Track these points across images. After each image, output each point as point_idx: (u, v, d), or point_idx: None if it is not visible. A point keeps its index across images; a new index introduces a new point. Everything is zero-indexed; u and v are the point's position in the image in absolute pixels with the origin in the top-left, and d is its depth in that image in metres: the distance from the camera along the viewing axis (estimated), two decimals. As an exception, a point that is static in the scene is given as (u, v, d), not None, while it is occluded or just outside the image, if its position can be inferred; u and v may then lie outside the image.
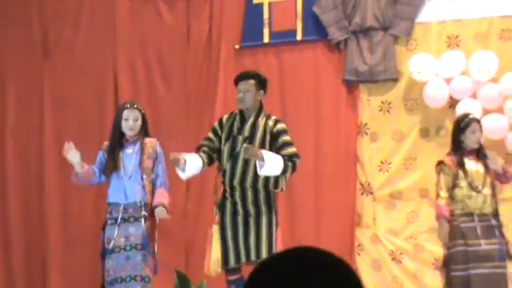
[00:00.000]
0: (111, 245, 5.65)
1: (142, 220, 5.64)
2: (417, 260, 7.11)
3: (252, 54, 7.76)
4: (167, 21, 8.06)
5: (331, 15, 7.47)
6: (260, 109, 5.65)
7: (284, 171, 5.43)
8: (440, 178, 5.98)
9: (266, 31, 7.74)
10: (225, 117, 5.77)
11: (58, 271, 7.87)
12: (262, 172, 5.36)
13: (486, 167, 5.85)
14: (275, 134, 5.54)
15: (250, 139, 5.55)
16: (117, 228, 5.64)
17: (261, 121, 5.59)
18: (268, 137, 5.54)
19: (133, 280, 5.58)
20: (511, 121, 6.67)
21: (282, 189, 5.63)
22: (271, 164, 5.33)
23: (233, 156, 5.57)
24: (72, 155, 5.67)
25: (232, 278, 5.56)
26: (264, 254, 5.43)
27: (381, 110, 7.35)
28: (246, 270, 5.53)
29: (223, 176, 5.62)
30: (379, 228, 7.28)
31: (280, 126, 5.59)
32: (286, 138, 5.54)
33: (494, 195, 5.86)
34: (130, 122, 5.75)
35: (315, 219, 7.29)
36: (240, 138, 5.58)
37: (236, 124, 5.65)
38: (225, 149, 5.62)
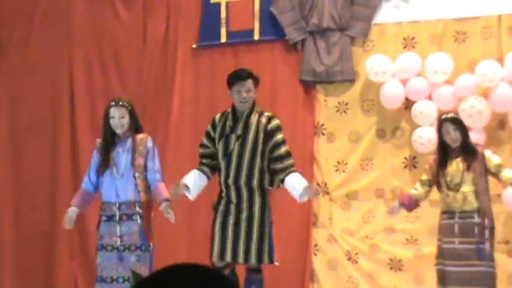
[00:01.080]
0: (103, 242, 5.64)
1: (138, 218, 5.60)
2: (373, 260, 7.16)
3: (209, 54, 7.74)
4: (123, 19, 8.00)
5: (289, 15, 7.48)
6: (253, 106, 5.59)
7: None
8: (424, 173, 6.13)
9: (223, 31, 7.72)
10: (217, 117, 5.70)
11: (11, 269, 7.80)
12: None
13: (468, 164, 5.90)
14: (269, 132, 5.50)
15: (243, 137, 5.51)
16: (111, 226, 5.61)
17: (254, 118, 5.54)
18: (261, 135, 5.49)
19: (127, 281, 5.53)
20: (466, 122, 6.73)
21: (278, 186, 5.61)
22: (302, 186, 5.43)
23: (227, 154, 5.53)
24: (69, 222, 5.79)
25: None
26: (254, 260, 5.42)
27: (337, 111, 7.39)
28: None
29: (219, 175, 5.60)
30: (336, 228, 7.31)
31: (275, 123, 5.54)
32: (280, 136, 5.51)
33: (480, 192, 5.88)
34: (116, 120, 5.71)
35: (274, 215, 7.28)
36: (233, 136, 5.54)
37: (228, 122, 5.59)
38: (219, 148, 5.58)
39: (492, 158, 6.00)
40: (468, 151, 5.94)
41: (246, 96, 5.51)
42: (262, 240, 5.45)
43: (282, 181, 5.46)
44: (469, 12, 7.09)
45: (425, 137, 6.84)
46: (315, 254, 7.32)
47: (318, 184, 7.36)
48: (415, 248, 7.03)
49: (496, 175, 5.96)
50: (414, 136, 6.95)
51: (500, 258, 6.78)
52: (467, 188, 5.87)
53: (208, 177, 5.64)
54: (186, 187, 5.56)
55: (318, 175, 7.37)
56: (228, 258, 5.44)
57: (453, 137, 5.96)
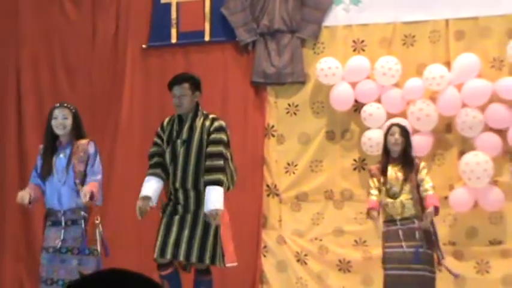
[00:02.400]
0: (46, 244, 5.56)
1: (82, 222, 5.52)
2: (322, 262, 7.19)
3: (159, 54, 7.69)
4: (72, 18, 7.91)
5: (239, 17, 7.48)
6: (197, 110, 5.60)
7: (221, 184, 5.41)
8: (370, 181, 6.15)
9: (174, 31, 7.69)
10: (165, 121, 5.72)
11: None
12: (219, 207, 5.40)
13: (406, 174, 5.98)
14: (211, 133, 5.51)
15: (188, 142, 5.52)
16: (55, 230, 5.53)
17: (199, 122, 5.56)
18: (205, 138, 5.51)
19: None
20: (414, 125, 6.82)
21: (228, 189, 5.59)
22: (220, 200, 5.38)
23: (174, 159, 5.55)
24: (23, 197, 5.54)
25: (164, 273, 5.49)
26: (195, 258, 5.39)
27: (288, 113, 7.41)
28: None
29: (168, 179, 5.61)
30: (285, 230, 7.33)
31: (217, 124, 5.54)
32: (216, 136, 5.49)
33: (416, 200, 5.95)
34: (59, 119, 5.62)
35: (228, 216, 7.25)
36: (179, 142, 5.55)
37: (175, 127, 5.61)
38: (167, 153, 5.60)
39: (423, 171, 6.05)
40: (407, 162, 6.03)
41: (179, 101, 5.54)
42: (205, 240, 5.41)
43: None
44: (417, 16, 7.17)
45: (375, 139, 6.90)
46: (265, 256, 7.33)
47: (268, 186, 7.37)
48: (363, 249, 7.08)
49: (418, 187, 6.03)
50: (363, 138, 7.01)
51: (447, 259, 6.88)
52: (405, 197, 5.96)
53: (163, 179, 5.62)
54: (149, 199, 5.53)
55: (268, 177, 7.38)
56: (169, 255, 5.39)
57: (397, 138, 6.04)
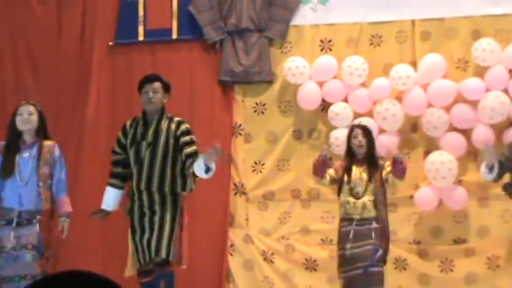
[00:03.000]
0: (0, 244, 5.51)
1: (37, 224, 5.48)
2: (288, 261, 7.21)
3: (126, 52, 7.65)
4: (37, 13, 7.82)
5: (207, 15, 7.47)
6: (162, 112, 5.62)
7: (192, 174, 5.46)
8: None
9: (141, 29, 7.65)
10: (128, 123, 5.72)
11: None
12: (208, 175, 5.39)
13: (371, 175, 6.01)
14: (178, 136, 5.53)
15: (153, 144, 5.54)
16: (8, 230, 5.47)
17: (164, 124, 5.57)
18: (171, 141, 5.53)
19: (23, 280, 5.39)
20: (380, 125, 6.87)
21: (191, 190, 5.63)
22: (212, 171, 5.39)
23: (138, 161, 5.55)
24: None
25: (143, 280, 5.51)
26: (163, 254, 5.40)
27: (255, 111, 7.42)
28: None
29: (131, 180, 5.63)
30: (252, 229, 7.34)
31: (184, 127, 5.57)
32: (185, 138, 5.53)
33: (379, 201, 5.98)
34: (24, 115, 5.58)
35: (188, 219, 7.23)
36: (144, 144, 5.56)
37: (139, 129, 5.61)
38: (131, 154, 5.60)
39: (387, 168, 6.08)
40: (372, 162, 6.06)
41: (152, 97, 5.54)
42: (171, 239, 5.46)
43: (194, 173, 5.45)
44: (384, 16, 7.22)
45: (341, 139, 6.92)
46: (231, 254, 7.33)
47: (235, 185, 7.38)
48: (330, 248, 7.10)
49: (386, 180, 6.06)
50: (330, 138, 7.05)
51: (411, 258, 6.97)
52: (367, 198, 5.99)
53: (123, 189, 5.71)
54: (107, 213, 5.70)
55: (235, 175, 7.39)
56: (148, 259, 5.45)
57: (360, 140, 6.07)
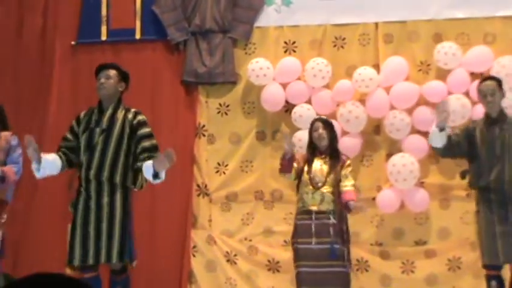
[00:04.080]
0: None
1: None
2: (251, 262, 7.21)
3: (89, 52, 7.58)
4: (-2, 13, 7.72)
5: (171, 15, 7.44)
6: (119, 102, 5.50)
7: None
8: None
9: (104, 28, 7.60)
10: (82, 113, 5.58)
11: None
12: (157, 181, 5.19)
13: (331, 166, 6.02)
14: (134, 126, 5.38)
15: (108, 131, 5.37)
16: None
17: (120, 114, 5.43)
18: (127, 130, 5.37)
19: None
20: (343, 126, 6.90)
21: (141, 187, 5.45)
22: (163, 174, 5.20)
23: (90, 148, 5.36)
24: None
25: (87, 276, 5.32)
26: (115, 259, 5.25)
27: (219, 112, 7.41)
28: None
29: (80, 169, 5.41)
30: (215, 230, 7.33)
31: (141, 118, 5.44)
32: (145, 130, 5.39)
33: (337, 195, 5.97)
34: None
35: (150, 219, 7.20)
36: (98, 130, 5.39)
37: (94, 117, 5.46)
38: (82, 141, 5.41)
39: (347, 168, 6.09)
40: (333, 154, 6.08)
41: (103, 82, 5.44)
42: (124, 239, 5.29)
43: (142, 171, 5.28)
44: (347, 19, 7.25)
45: (305, 140, 6.93)
46: (194, 256, 7.30)
47: (198, 186, 7.35)
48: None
49: (339, 182, 6.07)
50: (294, 139, 7.04)
51: (373, 260, 7.01)
52: (326, 189, 5.99)
53: (63, 164, 5.39)
54: (39, 159, 5.23)
55: (198, 176, 7.36)
56: (91, 261, 5.26)
57: (320, 133, 6.09)
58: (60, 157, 5.39)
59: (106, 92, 5.44)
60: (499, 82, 5.83)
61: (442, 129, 5.70)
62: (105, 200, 5.29)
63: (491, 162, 5.63)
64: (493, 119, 5.73)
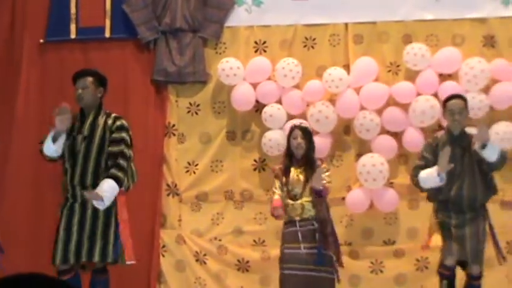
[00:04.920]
0: None
1: None
2: (221, 261, 7.20)
3: (57, 50, 7.52)
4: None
5: (141, 14, 7.40)
6: (100, 107, 5.58)
7: (120, 182, 5.41)
8: (275, 181, 6.13)
9: (73, 27, 7.54)
10: None
11: None
12: (107, 204, 5.33)
13: (308, 176, 6.00)
14: (113, 131, 5.50)
15: (89, 138, 5.49)
16: None
17: (101, 120, 5.55)
18: (107, 135, 5.50)
19: None
20: (313, 127, 6.91)
21: (128, 188, 5.58)
22: (110, 195, 5.33)
23: (73, 155, 5.49)
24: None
25: (64, 278, 5.36)
26: (97, 257, 5.36)
27: (189, 112, 7.39)
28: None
29: (65, 174, 5.55)
30: (185, 230, 7.30)
31: (119, 123, 5.54)
32: (117, 135, 5.49)
33: (317, 203, 5.96)
34: None
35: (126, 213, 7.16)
36: (80, 137, 5.52)
37: (77, 123, 5.57)
38: (66, 148, 5.53)
39: (323, 171, 6.07)
40: (309, 163, 6.07)
41: (81, 93, 5.53)
42: (107, 239, 5.41)
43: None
44: (318, 19, 7.27)
45: (275, 140, 6.96)
46: (163, 255, 7.27)
47: (168, 185, 7.33)
48: (262, 249, 7.13)
49: None
50: (264, 139, 7.06)
51: (343, 259, 7.02)
52: (305, 199, 6.00)
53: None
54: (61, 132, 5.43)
55: (168, 176, 7.34)
56: (72, 260, 5.37)
57: (299, 142, 6.08)
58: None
59: (85, 102, 5.56)
60: (465, 101, 5.95)
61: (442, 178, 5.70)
62: (90, 204, 5.42)
63: (452, 179, 5.78)
64: (455, 137, 5.87)
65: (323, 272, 5.89)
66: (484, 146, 5.60)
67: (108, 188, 5.33)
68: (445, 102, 5.98)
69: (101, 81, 5.63)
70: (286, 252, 5.95)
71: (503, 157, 5.74)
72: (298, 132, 6.12)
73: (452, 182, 5.78)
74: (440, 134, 6.04)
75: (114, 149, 5.44)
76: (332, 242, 5.98)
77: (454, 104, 5.88)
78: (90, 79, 5.57)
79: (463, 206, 5.79)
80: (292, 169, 6.08)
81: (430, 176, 5.75)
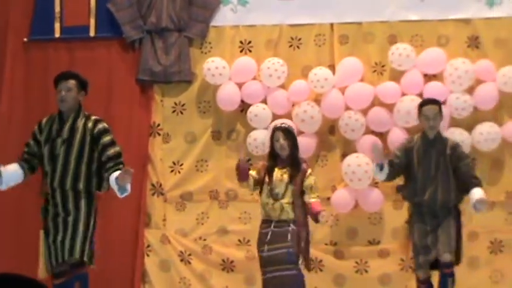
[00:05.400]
0: None
1: None
2: (205, 261, 7.19)
3: (42, 49, 7.49)
4: None
5: (126, 13, 7.38)
6: (79, 110, 5.56)
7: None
8: (251, 171, 6.11)
9: (57, 25, 7.52)
10: (44, 120, 5.65)
11: None
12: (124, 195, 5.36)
13: (292, 177, 5.99)
14: (96, 135, 5.47)
15: (68, 141, 5.48)
16: None
17: (80, 122, 5.52)
18: (88, 139, 5.48)
19: None
20: (298, 126, 6.91)
21: (107, 190, 5.58)
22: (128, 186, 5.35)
23: (52, 158, 5.48)
24: None
25: (56, 282, 5.41)
26: (77, 254, 5.37)
27: (174, 111, 7.37)
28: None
29: (45, 178, 5.53)
30: (169, 229, 7.29)
31: (101, 126, 5.52)
32: (107, 139, 5.48)
33: (297, 205, 5.96)
34: None
35: (103, 218, 7.07)
36: (59, 140, 5.50)
37: (55, 126, 5.54)
38: (45, 152, 5.52)
39: (310, 178, 6.05)
40: (294, 164, 6.05)
41: (64, 95, 5.50)
42: (85, 239, 5.43)
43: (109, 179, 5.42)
44: (303, 19, 7.27)
45: (260, 140, 6.96)
46: (148, 255, 7.26)
47: (153, 185, 7.31)
48: (247, 249, 7.12)
49: (303, 193, 6.03)
50: (249, 139, 7.05)
51: (327, 259, 7.04)
52: (286, 200, 5.98)
53: (24, 172, 5.52)
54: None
55: (153, 175, 7.32)
56: (60, 260, 5.39)
57: (282, 144, 6.06)
58: (22, 166, 5.52)
59: (67, 105, 5.53)
60: (440, 106, 6.09)
61: (381, 167, 5.93)
62: (71, 206, 5.44)
63: (426, 182, 5.96)
64: (430, 141, 6.00)
65: (293, 270, 5.86)
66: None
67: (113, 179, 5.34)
68: (420, 107, 6.09)
69: (82, 84, 5.61)
70: (262, 255, 5.97)
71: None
72: (279, 134, 6.07)
73: (427, 186, 5.95)
74: (417, 136, 6.13)
75: (111, 151, 5.45)
76: (304, 249, 5.96)
77: (428, 110, 6.03)
78: (73, 82, 5.54)
79: (437, 209, 5.95)
80: (276, 169, 6.06)
81: (375, 170, 6.03)
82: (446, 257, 5.88)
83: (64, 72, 5.69)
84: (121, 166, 5.39)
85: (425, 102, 6.13)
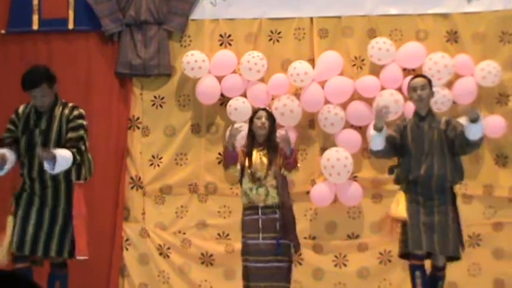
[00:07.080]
0: None
1: None
2: (184, 255, 7.18)
3: (19, 41, 7.42)
4: None
5: (105, 6, 7.33)
6: (56, 100, 5.48)
7: (74, 161, 5.31)
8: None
9: (35, 18, 7.44)
10: (21, 108, 5.56)
11: None
12: (56, 170, 5.20)
13: (271, 158, 5.95)
14: (70, 120, 5.41)
15: (46, 131, 5.40)
16: None
17: (58, 111, 5.45)
18: (65, 126, 5.41)
19: None
20: (278, 120, 6.86)
21: (86, 179, 5.52)
22: (61, 161, 5.21)
23: (30, 148, 5.40)
24: None
25: (18, 266, 5.30)
26: (53, 252, 5.32)
27: (153, 105, 7.35)
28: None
29: (22, 168, 5.46)
30: (148, 223, 7.27)
31: (77, 112, 5.46)
32: (75, 123, 5.41)
33: (281, 185, 5.90)
34: None
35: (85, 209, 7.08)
36: (37, 131, 5.43)
37: (32, 116, 5.47)
38: (22, 141, 5.44)
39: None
40: (272, 146, 6.01)
41: (40, 100, 5.42)
42: (65, 234, 5.38)
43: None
44: (283, 13, 7.27)
45: (240, 134, 6.93)
46: (127, 249, 7.23)
47: (132, 178, 7.28)
48: (226, 243, 7.12)
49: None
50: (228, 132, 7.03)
51: (306, 253, 7.05)
52: (269, 182, 5.90)
53: (15, 155, 5.42)
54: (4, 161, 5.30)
55: (132, 169, 7.29)
56: (27, 251, 5.29)
57: (263, 122, 6.01)
58: (14, 150, 5.43)
59: (44, 106, 5.46)
60: (429, 80, 5.95)
61: (380, 130, 5.75)
62: (50, 197, 5.39)
63: (421, 158, 5.78)
64: (422, 117, 5.88)
65: (282, 261, 5.84)
66: (474, 120, 5.58)
67: (64, 154, 5.22)
68: (409, 83, 5.98)
69: (52, 79, 5.48)
70: (247, 243, 5.89)
71: (481, 139, 5.76)
72: (263, 113, 6.04)
73: (422, 161, 5.76)
74: (410, 117, 6.07)
75: (74, 134, 5.36)
76: (292, 231, 5.91)
77: (416, 82, 5.90)
78: (45, 85, 5.38)
79: (432, 187, 5.72)
80: (255, 152, 6.01)
81: (373, 133, 5.80)
82: (442, 262, 5.79)
83: (32, 77, 5.43)
84: (74, 150, 5.30)
85: (414, 77, 6.04)
